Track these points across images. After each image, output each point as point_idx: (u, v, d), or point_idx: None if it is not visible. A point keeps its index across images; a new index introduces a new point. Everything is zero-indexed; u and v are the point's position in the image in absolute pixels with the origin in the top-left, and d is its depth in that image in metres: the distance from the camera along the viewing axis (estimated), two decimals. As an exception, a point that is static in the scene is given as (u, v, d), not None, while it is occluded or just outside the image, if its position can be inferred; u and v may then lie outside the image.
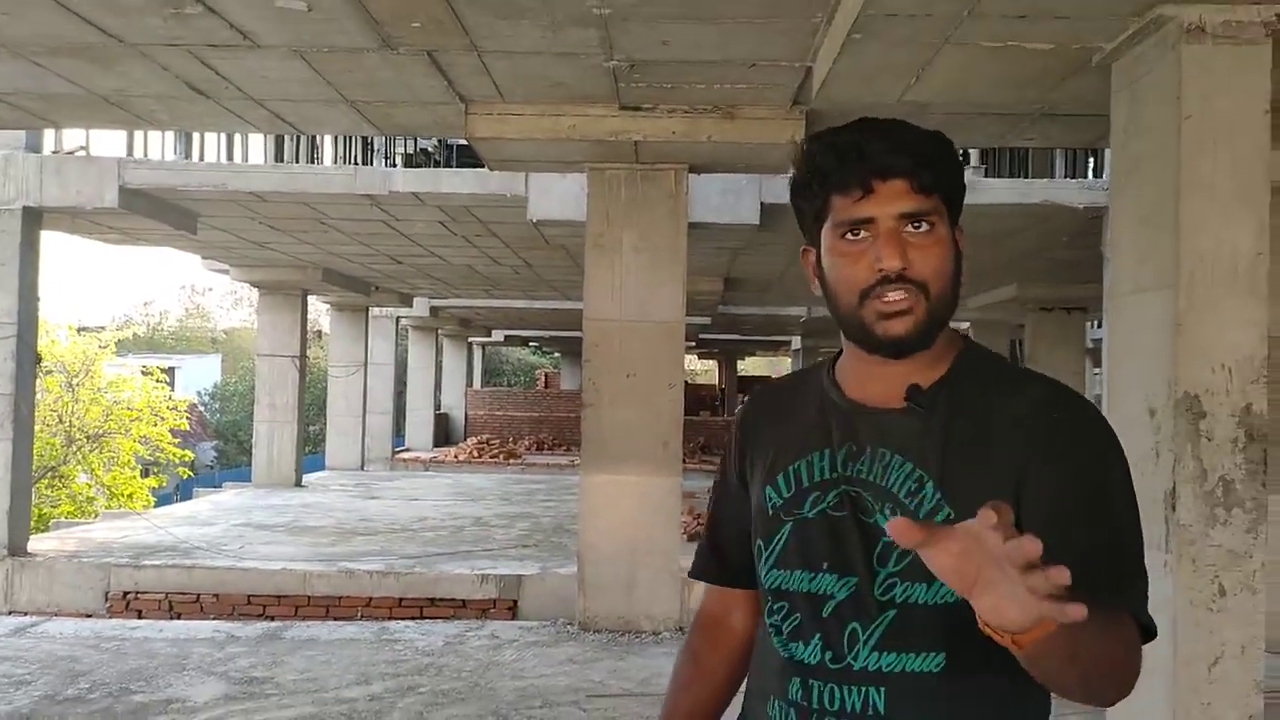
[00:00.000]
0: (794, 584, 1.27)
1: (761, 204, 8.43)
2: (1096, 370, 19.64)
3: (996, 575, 0.92)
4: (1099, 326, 17.72)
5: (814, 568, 1.25)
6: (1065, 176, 8.75)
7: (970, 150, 8.94)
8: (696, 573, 1.47)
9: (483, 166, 7.65)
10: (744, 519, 1.37)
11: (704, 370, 45.29)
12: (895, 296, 1.19)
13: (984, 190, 8.35)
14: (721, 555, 1.43)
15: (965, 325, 17.63)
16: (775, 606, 1.29)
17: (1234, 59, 3.65)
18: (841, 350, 1.34)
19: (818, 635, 1.24)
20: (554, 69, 5.15)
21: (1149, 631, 1.16)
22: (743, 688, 1.42)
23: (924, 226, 1.20)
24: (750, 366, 42.48)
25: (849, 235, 1.21)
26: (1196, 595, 3.67)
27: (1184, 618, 3.67)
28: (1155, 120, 3.82)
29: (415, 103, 5.75)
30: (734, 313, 17.90)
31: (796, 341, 26.36)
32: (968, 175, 9.11)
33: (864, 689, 1.21)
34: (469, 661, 5.77)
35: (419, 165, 10.39)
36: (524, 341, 32.55)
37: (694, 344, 28.38)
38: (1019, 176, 8.85)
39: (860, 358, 1.27)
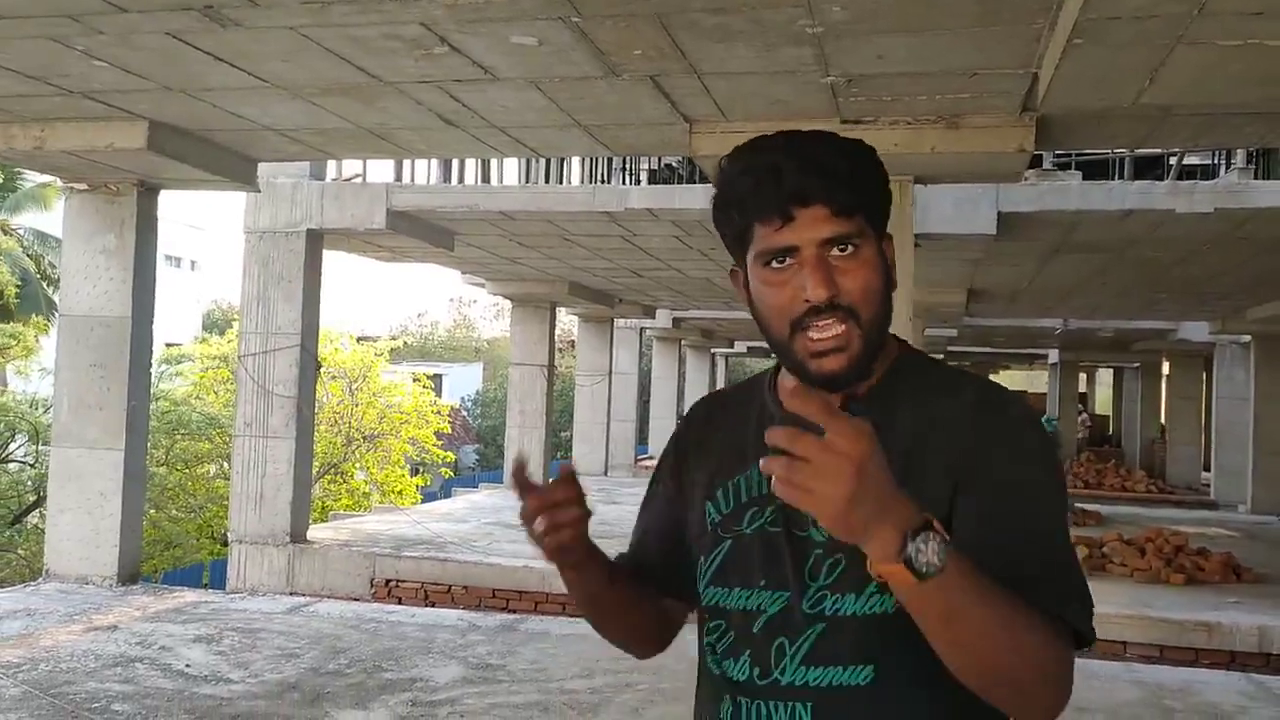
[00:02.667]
0: (731, 601, 1.24)
1: (999, 213, 8.17)
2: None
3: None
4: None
5: (751, 584, 1.22)
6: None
7: (1237, 150, 8.29)
8: (626, 561, 1.43)
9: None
10: (665, 524, 1.37)
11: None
12: (825, 331, 1.16)
13: (1253, 195, 7.71)
14: (635, 557, 1.41)
15: (1246, 339, 16.20)
16: (711, 625, 1.27)
17: None
18: (774, 369, 1.34)
19: (747, 652, 1.22)
20: (772, 87, 5.26)
21: (1084, 638, 1.11)
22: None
23: (848, 249, 1.17)
24: (1006, 380, 40.60)
25: (773, 264, 1.17)
26: None
27: None
28: None
29: (642, 124, 6.01)
30: (982, 324, 17.26)
31: (1054, 355, 25.02)
32: (1234, 178, 8.49)
33: (790, 704, 1.18)
34: (685, 663, 5.94)
35: (664, 180, 10.75)
36: (766, 353, 32.59)
37: (941, 355, 27.49)
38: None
39: (792, 380, 1.25)
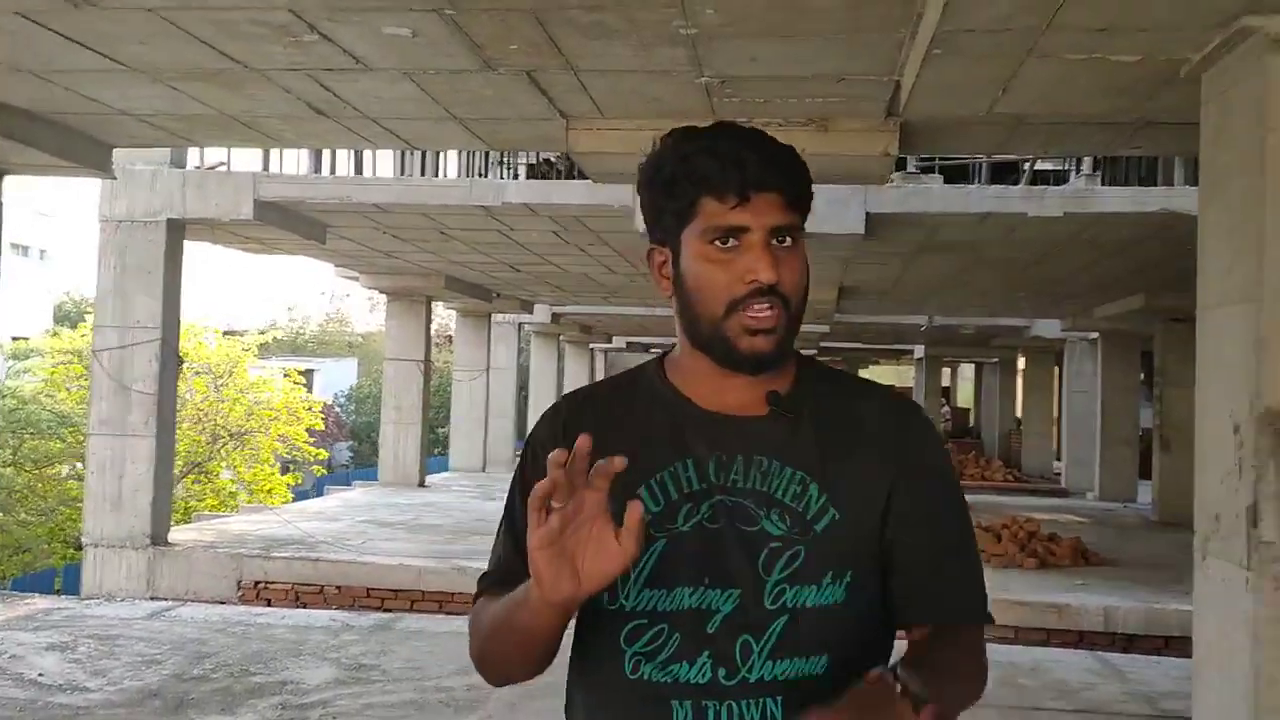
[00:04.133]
0: (673, 603, 1.20)
1: (867, 214, 8.43)
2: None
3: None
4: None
5: (693, 583, 1.19)
6: (1185, 184, 8.47)
7: (1083, 160, 8.75)
8: (501, 580, 1.27)
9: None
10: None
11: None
12: (763, 312, 1.19)
13: (1098, 200, 8.17)
14: (513, 570, 1.24)
15: (1093, 336, 17.10)
16: (645, 630, 1.20)
17: (1325, 68, 3.56)
18: (664, 355, 1.32)
19: (705, 653, 1.18)
20: (648, 86, 5.32)
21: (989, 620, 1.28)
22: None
23: (788, 241, 1.21)
24: (875, 375, 41.83)
25: (718, 242, 1.19)
26: (1278, 614, 3.59)
27: (1266, 636, 3.59)
28: (1242, 131, 3.75)
29: (519, 119, 6.00)
30: (853, 321, 17.77)
31: (920, 351, 25.94)
32: (1081, 184, 8.96)
33: (761, 700, 1.18)
34: (565, 656, 5.97)
35: (542, 175, 10.73)
36: (646, 348, 32.86)
37: (815, 351, 28.19)
38: (1148, 184, 8.60)
39: (704, 367, 1.25)
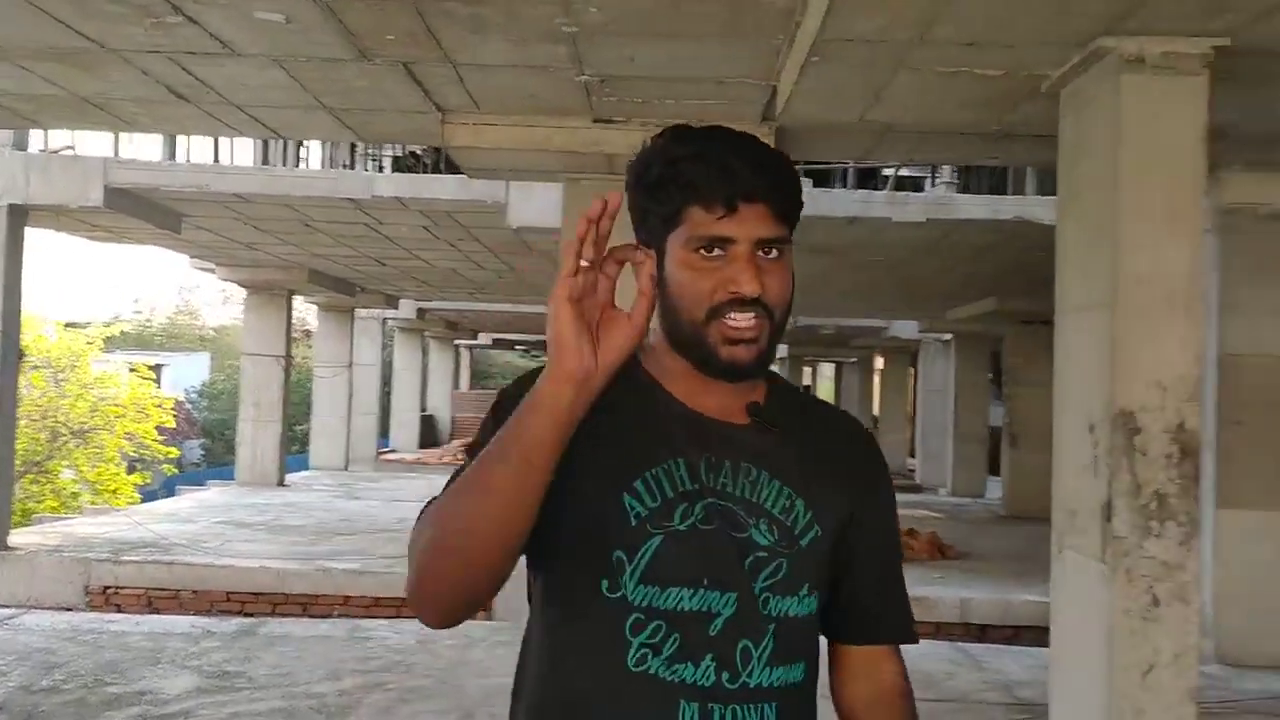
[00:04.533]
0: (671, 601, 1.19)
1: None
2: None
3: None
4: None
5: (691, 584, 1.19)
6: (1037, 193, 8.91)
7: (944, 167, 9.10)
8: None
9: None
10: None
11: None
12: (744, 321, 1.19)
13: (957, 207, 8.50)
14: None
15: (947, 337, 17.81)
16: (647, 624, 1.19)
17: (1172, 89, 3.79)
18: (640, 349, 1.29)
19: (710, 655, 1.19)
20: (527, 82, 5.28)
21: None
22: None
23: (774, 253, 1.21)
24: (739, 373, 42.67)
25: (703, 251, 1.19)
26: (1131, 605, 3.81)
27: (1119, 626, 3.81)
28: (1098, 145, 3.97)
29: (393, 111, 5.87)
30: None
31: (783, 350, 26.56)
32: (941, 191, 9.33)
33: (759, 706, 1.20)
34: (439, 660, 5.89)
35: (408, 169, 10.52)
36: (511, 345, 32.68)
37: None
38: (1000, 193, 9.01)
39: (683, 368, 1.25)
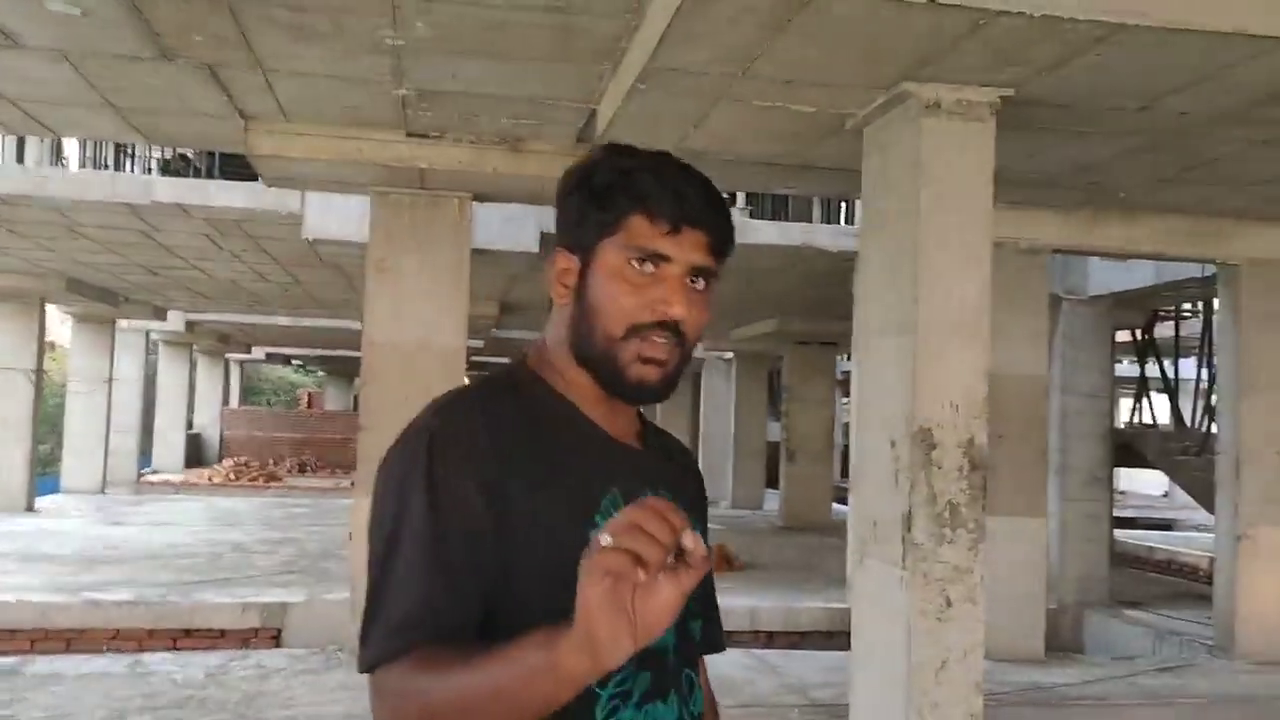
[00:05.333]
0: None
1: (541, 233, 8.63)
2: (844, 400, 21.04)
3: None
4: (848, 360, 19.04)
5: None
6: (822, 221, 9.45)
7: (737, 193, 9.50)
8: (435, 633, 1.06)
9: (254, 179, 7.49)
10: (487, 564, 1.10)
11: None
12: (660, 344, 1.17)
13: (751, 231, 8.90)
14: (469, 615, 1.09)
15: (729, 355, 18.51)
16: (619, 669, 1.04)
17: (965, 133, 4.16)
18: (524, 359, 1.26)
19: (672, 690, 1.18)
20: (343, 93, 5.15)
21: None
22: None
23: (701, 284, 1.20)
24: (520, 390, 42.60)
25: (636, 263, 1.16)
26: (927, 606, 4.12)
27: (916, 627, 4.11)
28: (899, 181, 4.29)
29: (189, 114, 5.57)
30: (507, 337, 17.99)
31: (567, 366, 26.79)
32: (736, 216, 9.73)
33: None
34: (234, 693, 5.59)
35: (177, 172, 9.95)
36: (287, 359, 31.33)
37: (468, 367, 28.18)
38: (780, 219, 9.48)
39: (590, 386, 1.21)
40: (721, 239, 1.20)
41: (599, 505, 1.14)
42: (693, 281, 1.19)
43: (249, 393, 36.67)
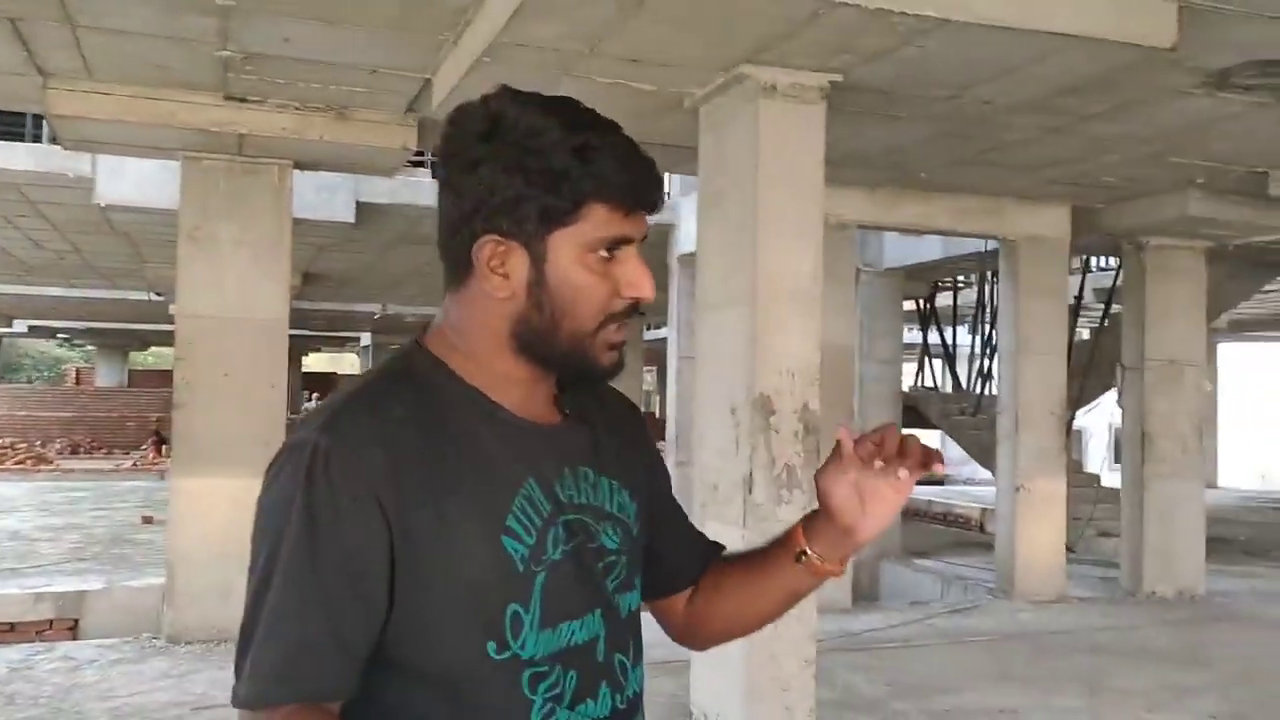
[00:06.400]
0: (564, 639, 1.08)
1: (357, 203, 8.42)
2: (648, 368, 21.51)
3: (877, 483, 1.12)
4: (656, 329, 19.48)
5: (578, 613, 1.10)
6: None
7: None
8: (309, 688, 1.00)
9: (34, 139, 6.97)
10: (376, 595, 1.01)
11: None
12: (627, 326, 1.12)
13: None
14: (351, 655, 1.01)
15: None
16: (547, 674, 1.07)
17: (798, 115, 4.39)
18: (421, 346, 1.13)
19: (603, 682, 1.12)
20: (160, 52, 4.88)
21: None
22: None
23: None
24: (313, 363, 41.11)
25: (604, 252, 1.07)
26: (766, 563, 4.36)
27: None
28: (736, 160, 4.48)
29: (-20, 69, 5.13)
30: (307, 308, 17.38)
31: (366, 338, 26.06)
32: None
33: (638, 714, 1.17)
34: (44, 687, 5.26)
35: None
36: (52, 333, 29.03)
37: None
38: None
39: (521, 374, 1.11)
40: (658, 206, 1.12)
41: (511, 505, 1.06)
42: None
43: (7, 369, 33.81)
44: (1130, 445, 8.48)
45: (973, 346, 12.54)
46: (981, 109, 5.06)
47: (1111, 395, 12.07)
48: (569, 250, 1.06)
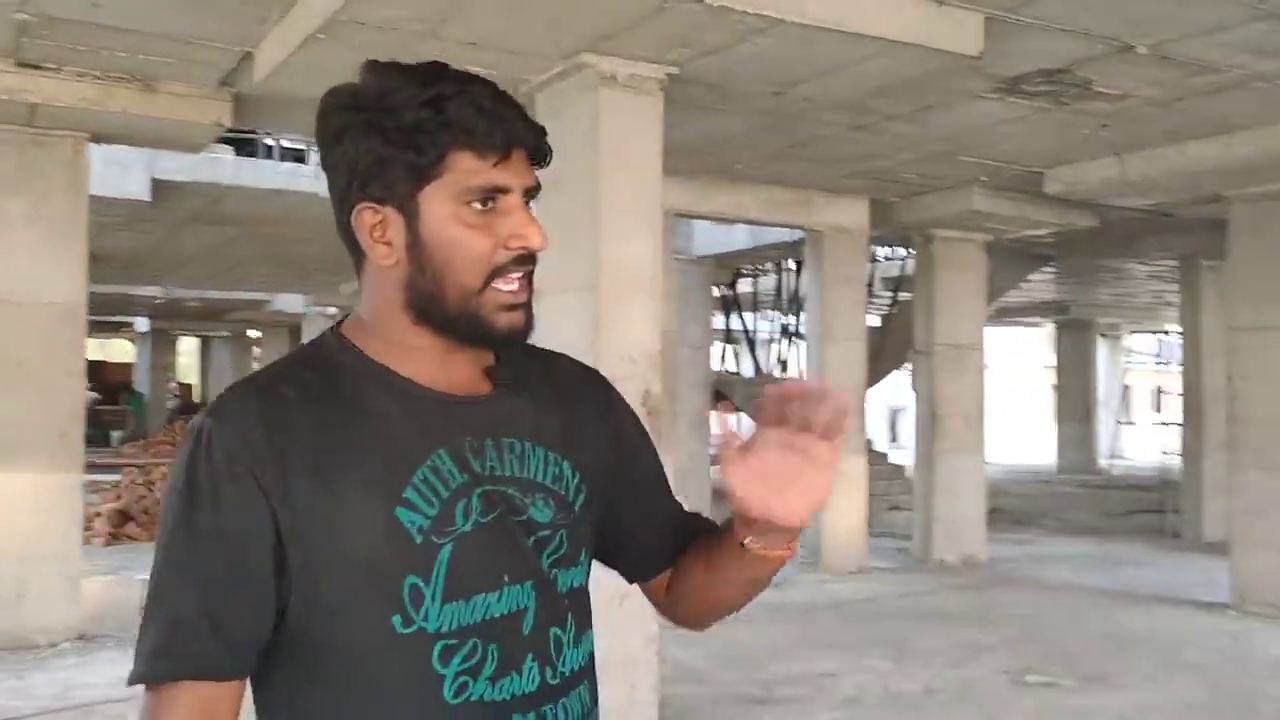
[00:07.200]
0: (479, 612, 1.05)
1: (153, 179, 7.93)
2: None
3: (800, 465, 1.02)
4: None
5: (495, 585, 1.06)
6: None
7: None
8: (189, 666, 0.99)
9: None
10: (264, 577, 1.01)
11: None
12: (519, 280, 1.07)
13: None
14: (227, 633, 1.00)
15: (334, 310, 17.95)
16: (458, 648, 1.04)
17: (637, 105, 4.49)
18: (338, 329, 1.12)
19: (529, 656, 1.08)
20: (-57, 11, 4.46)
21: None
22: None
23: (530, 205, 1.09)
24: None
25: (477, 204, 1.03)
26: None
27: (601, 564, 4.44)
28: (576, 148, 4.53)
29: None
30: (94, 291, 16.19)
31: (144, 324, 24.49)
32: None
33: (577, 690, 1.13)
34: None
35: None
36: None
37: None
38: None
39: (428, 344, 1.08)
40: (540, 152, 1.09)
41: (414, 475, 1.04)
42: (525, 204, 1.08)
43: None
44: (921, 424, 9.11)
45: (771, 332, 13.11)
46: (802, 105, 5.31)
47: (890, 378, 12.94)
48: (440, 205, 1.04)
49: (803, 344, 12.93)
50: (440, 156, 1.01)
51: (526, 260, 1.07)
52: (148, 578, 1.03)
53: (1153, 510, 12.61)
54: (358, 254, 1.08)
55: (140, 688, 1.01)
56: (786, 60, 4.50)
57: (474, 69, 1.05)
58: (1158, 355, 29.85)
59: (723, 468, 1.05)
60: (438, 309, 1.05)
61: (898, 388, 17.02)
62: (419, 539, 1.02)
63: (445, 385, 1.09)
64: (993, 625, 6.77)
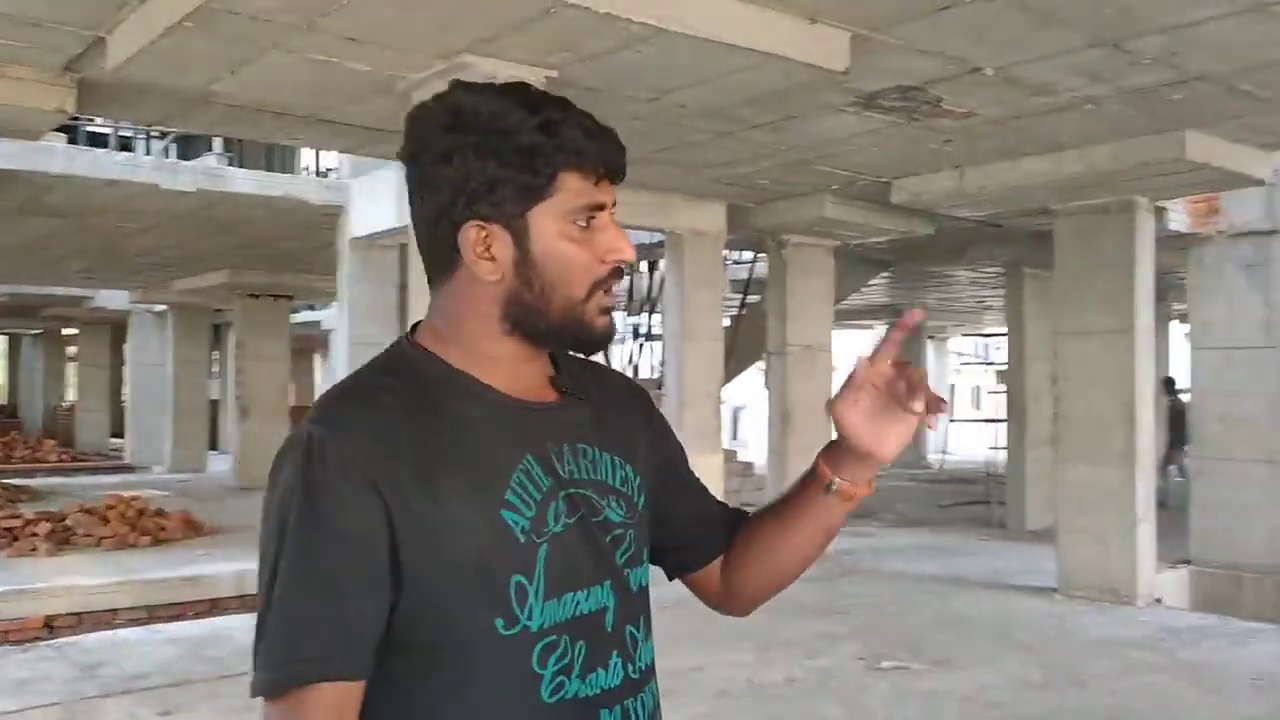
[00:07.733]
0: (568, 610, 1.11)
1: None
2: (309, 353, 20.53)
3: (894, 409, 1.16)
4: (309, 311, 18.72)
5: (581, 585, 1.12)
6: (310, 174, 9.24)
7: (215, 139, 8.94)
8: (327, 667, 1.02)
9: None
10: (383, 578, 1.05)
11: None
12: (614, 289, 1.15)
13: (230, 179, 8.44)
14: (357, 633, 1.04)
15: (162, 308, 17.10)
16: (555, 646, 1.10)
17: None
18: (411, 339, 1.16)
19: (614, 652, 1.14)
20: None
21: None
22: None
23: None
24: None
25: (581, 222, 1.11)
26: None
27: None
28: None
29: None
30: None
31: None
32: (213, 162, 9.12)
33: (650, 684, 1.19)
34: None
35: None
36: None
37: None
38: (272, 170, 9.11)
39: (509, 353, 1.14)
40: (624, 171, 1.18)
41: (510, 480, 1.09)
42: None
43: None
44: (775, 422, 9.40)
45: (622, 334, 13.24)
46: (676, 112, 5.42)
47: (740, 378, 13.29)
48: (550, 224, 1.10)
49: (655, 345, 13.16)
50: (551, 178, 1.08)
51: (621, 272, 1.15)
52: (262, 589, 1.03)
53: (979, 502, 13.37)
54: (441, 268, 1.14)
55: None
56: (665, 68, 4.59)
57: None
58: (979, 356, 31.60)
59: (836, 404, 1.17)
60: (539, 319, 1.12)
61: (739, 388, 17.47)
62: (522, 539, 1.08)
63: (522, 394, 1.15)
64: (843, 615, 7.06)
